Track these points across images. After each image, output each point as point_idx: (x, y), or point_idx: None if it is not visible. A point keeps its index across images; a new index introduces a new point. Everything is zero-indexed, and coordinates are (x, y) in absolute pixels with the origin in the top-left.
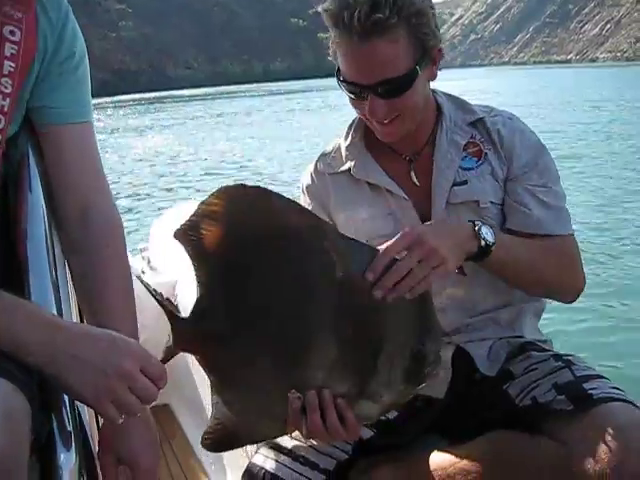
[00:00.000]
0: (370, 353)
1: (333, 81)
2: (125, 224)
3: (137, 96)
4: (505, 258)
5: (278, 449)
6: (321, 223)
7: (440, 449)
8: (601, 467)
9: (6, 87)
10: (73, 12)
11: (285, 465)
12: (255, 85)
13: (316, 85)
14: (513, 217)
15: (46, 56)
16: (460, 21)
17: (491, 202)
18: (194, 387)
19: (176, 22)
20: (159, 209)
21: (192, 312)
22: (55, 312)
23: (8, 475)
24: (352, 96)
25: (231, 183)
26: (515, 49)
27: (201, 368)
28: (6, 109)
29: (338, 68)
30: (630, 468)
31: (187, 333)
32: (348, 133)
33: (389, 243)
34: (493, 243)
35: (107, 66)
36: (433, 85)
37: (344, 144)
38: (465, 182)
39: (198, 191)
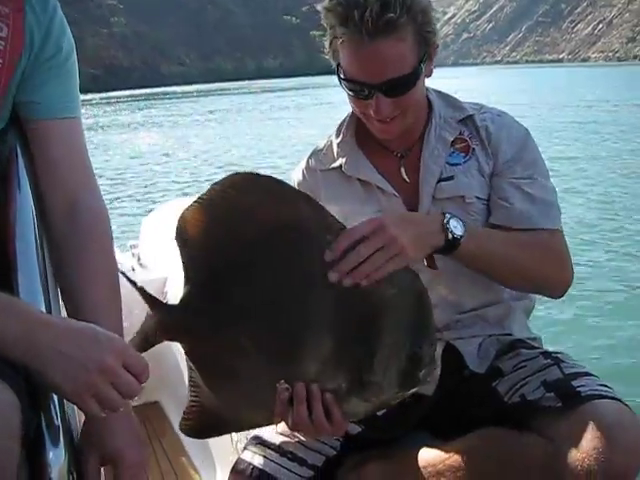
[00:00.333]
0: (365, 351)
1: (325, 79)
2: (115, 221)
3: (129, 92)
4: (476, 251)
5: (267, 445)
6: (326, 216)
7: (429, 446)
8: (589, 464)
9: None
10: (65, 7)
11: (273, 461)
12: (247, 82)
13: (308, 83)
14: (496, 212)
15: (33, 51)
16: (453, 20)
17: (477, 197)
18: (184, 385)
19: (169, 19)
20: (149, 206)
21: (181, 299)
22: (44, 310)
23: (1, 475)
24: (355, 95)
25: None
26: (508, 48)
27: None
28: None
29: (338, 66)
30: (617, 465)
31: (174, 321)
32: (340, 130)
33: (351, 228)
34: (461, 236)
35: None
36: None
37: (336, 141)
38: (452, 177)
39: (189, 188)
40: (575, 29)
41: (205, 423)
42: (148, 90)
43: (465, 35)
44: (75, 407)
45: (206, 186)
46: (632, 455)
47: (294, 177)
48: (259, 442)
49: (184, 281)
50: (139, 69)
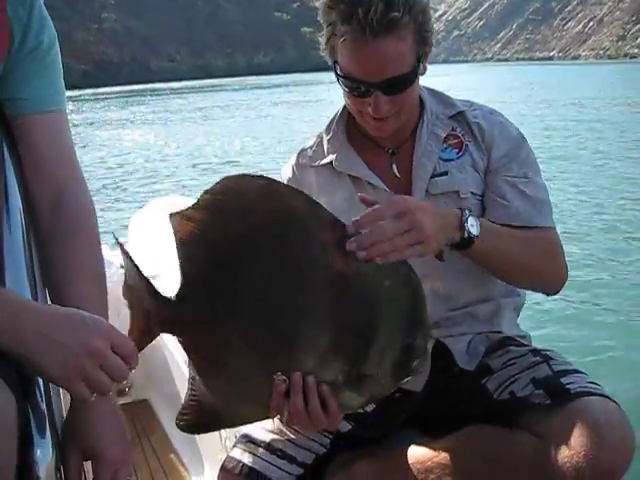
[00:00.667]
0: (361, 343)
1: (316, 75)
2: (104, 218)
3: (118, 88)
4: (487, 250)
5: (256, 443)
6: (321, 211)
7: (418, 443)
8: (577, 461)
9: None
10: (55, 2)
11: (263, 458)
12: (238, 79)
13: (299, 79)
14: (492, 210)
15: (13, 47)
16: (444, 17)
17: (471, 193)
18: (173, 383)
19: (160, 15)
20: (138, 204)
21: (177, 293)
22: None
23: (0, 472)
24: (353, 92)
25: (234, 173)
26: (498, 46)
27: (180, 355)
28: None
29: (335, 63)
30: (605, 462)
31: (172, 313)
32: (330, 127)
33: (381, 205)
34: (476, 236)
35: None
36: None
37: (326, 137)
38: (445, 173)
39: (178, 185)
40: (566, 27)
41: (202, 419)
42: (138, 86)
43: (456, 32)
44: (62, 403)
45: (195, 183)
46: (620, 452)
47: (284, 174)
48: (249, 440)
49: (180, 275)
50: (129, 65)
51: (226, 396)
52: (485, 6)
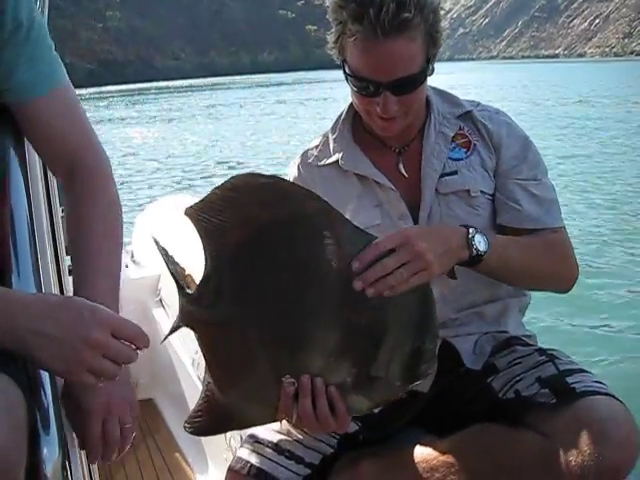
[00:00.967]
0: (370, 345)
1: (321, 73)
2: None
3: (123, 87)
4: (498, 264)
5: (264, 443)
6: (330, 211)
7: (423, 442)
8: (582, 459)
9: None
10: (60, 1)
11: (270, 459)
12: (243, 77)
13: (304, 77)
14: (505, 213)
15: None
16: (449, 15)
17: (481, 191)
18: (178, 382)
19: (164, 13)
20: (143, 203)
21: (197, 290)
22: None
23: (11, 472)
24: (362, 92)
25: (243, 172)
26: (504, 43)
27: (185, 356)
28: None
29: (344, 62)
30: (610, 460)
31: (191, 310)
32: (336, 125)
33: (381, 239)
34: (485, 252)
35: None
36: None
37: (332, 136)
38: (455, 172)
39: (184, 184)
40: (571, 24)
41: (212, 422)
42: (142, 85)
43: (461, 30)
44: None
45: (201, 182)
46: (625, 451)
47: (289, 173)
48: (256, 440)
49: (203, 272)
50: (134, 63)
51: (236, 398)
52: (490, 4)
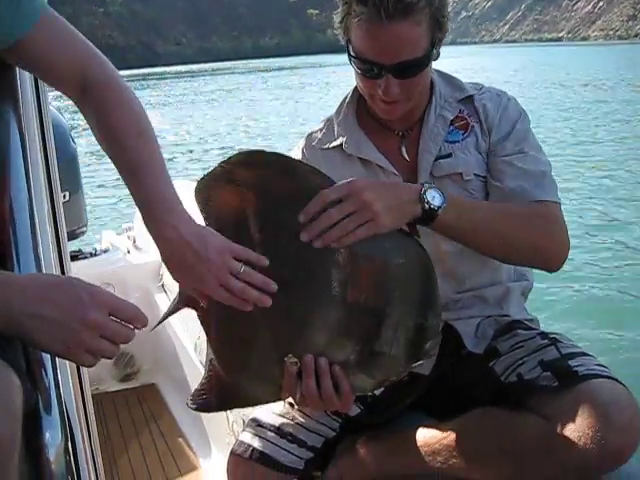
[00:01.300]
0: (373, 322)
1: (322, 58)
2: (111, 204)
3: (125, 72)
4: (458, 222)
5: (266, 427)
6: (329, 183)
7: (425, 425)
8: (585, 442)
9: None
10: None
11: (273, 442)
12: (244, 62)
13: (305, 62)
14: (492, 194)
15: None
16: None
17: (475, 174)
18: (180, 367)
19: None
20: None
21: None
22: None
23: (4, 456)
24: (365, 74)
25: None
26: (507, 27)
27: (188, 341)
28: None
29: (348, 43)
30: (613, 444)
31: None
32: (340, 109)
33: (325, 190)
34: (439, 207)
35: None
36: None
37: (336, 120)
38: (450, 155)
39: (185, 169)
40: (575, 7)
41: (215, 398)
42: (144, 70)
43: (464, 13)
44: (71, 386)
45: (202, 167)
46: (628, 434)
47: (294, 156)
48: (258, 424)
49: None
50: (135, 49)
51: (240, 375)
52: None
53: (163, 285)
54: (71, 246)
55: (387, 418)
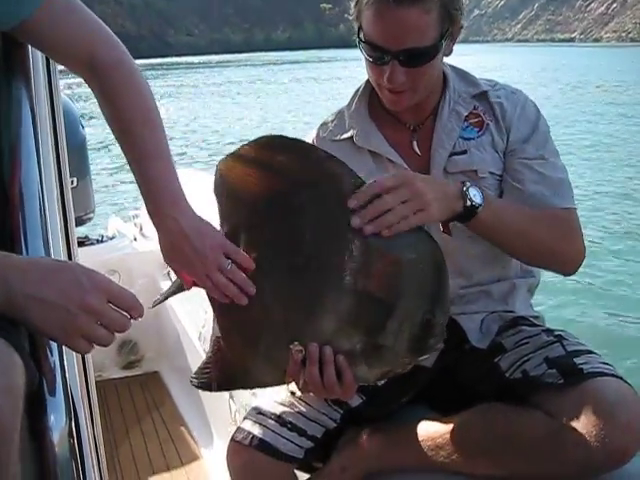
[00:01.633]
0: (381, 314)
1: (334, 52)
2: (118, 191)
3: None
4: (492, 222)
5: (266, 415)
6: (352, 174)
7: (429, 420)
8: (589, 440)
9: None
10: None
11: (273, 430)
12: (256, 54)
13: (317, 56)
14: (509, 194)
15: None
16: None
17: (490, 173)
18: (184, 355)
19: None
20: None
21: None
22: None
23: (4, 433)
24: (372, 59)
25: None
26: (519, 26)
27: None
28: None
29: (359, 28)
30: (617, 442)
31: None
32: (352, 101)
33: (379, 178)
34: (479, 205)
35: None
36: None
37: (347, 111)
38: (465, 152)
39: (194, 159)
40: (588, 8)
41: (218, 377)
42: (156, 60)
43: (476, 12)
44: (76, 370)
45: (212, 158)
46: (632, 433)
47: None
48: (259, 412)
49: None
50: (147, 39)
51: (245, 356)
52: None
53: (169, 273)
54: (78, 232)
55: (389, 411)
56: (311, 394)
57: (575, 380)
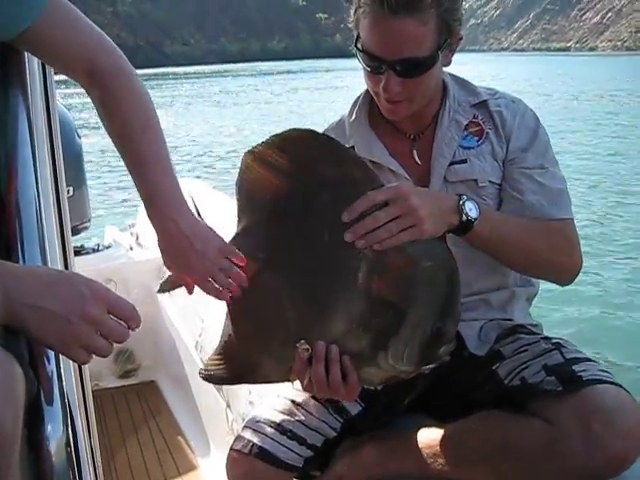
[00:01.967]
0: (392, 319)
1: (330, 62)
2: (114, 200)
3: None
4: (489, 235)
5: (266, 423)
6: (375, 180)
7: (427, 427)
8: (588, 448)
9: None
10: None
11: (272, 439)
12: (252, 64)
13: (313, 66)
14: (508, 203)
15: None
16: None
17: (490, 182)
18: (180, 365)
19: None
20: None
21: (235, 237)
22: None
23: (6, 444)
24: (368, 69)
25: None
26: (515, 35)
27: (189, 338)
28: None
29: (357, 37)
30: (616, 449)
31: None
32: (352, 110)
33: (372, 192)
34: (475, 219)
35: None
36: None
37: (348, 120)
38: (464, 161)
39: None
40: (584, 17)
41: (226, 370)
42: (152, 70)
43: (472, 21)
44: (73, 379)
45: (209, 168)
46: (631, 440)
47: None
48: (258, 421)
49: (237, 223)
50: (143, 49)
51: (254, 350)
52: None
53: (167, 282)
54: (74, 241)
55: (387, 419)
56: (311, 403)
57: (574, 387)
